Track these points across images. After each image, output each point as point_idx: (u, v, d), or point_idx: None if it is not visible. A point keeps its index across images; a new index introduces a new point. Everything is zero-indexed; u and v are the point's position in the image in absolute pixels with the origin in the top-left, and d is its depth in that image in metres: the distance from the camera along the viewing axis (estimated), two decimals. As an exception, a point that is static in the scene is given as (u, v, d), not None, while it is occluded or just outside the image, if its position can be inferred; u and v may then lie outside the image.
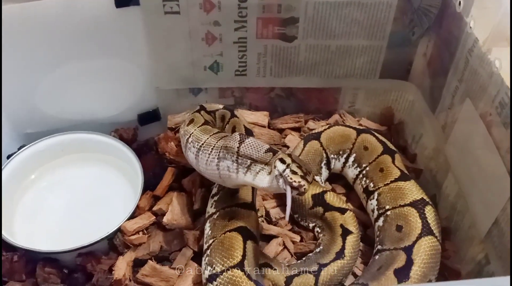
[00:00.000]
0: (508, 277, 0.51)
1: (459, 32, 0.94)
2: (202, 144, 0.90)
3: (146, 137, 1.18)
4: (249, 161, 0.82)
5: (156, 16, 1.04)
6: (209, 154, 0.87)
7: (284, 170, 0.77)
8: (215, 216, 0.93)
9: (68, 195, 1.09)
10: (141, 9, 1.02)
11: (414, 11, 1.08)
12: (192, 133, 0.94)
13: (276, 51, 1.13)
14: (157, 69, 1.13)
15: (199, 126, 0.96)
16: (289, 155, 0.80)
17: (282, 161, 0.78)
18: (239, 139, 0.84)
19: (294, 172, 0.76)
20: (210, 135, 0.91)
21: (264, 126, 1.21)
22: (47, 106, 1.12)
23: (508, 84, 0.79)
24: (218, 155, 0.86)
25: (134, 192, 1.05)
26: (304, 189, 0.76)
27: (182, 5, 1.03)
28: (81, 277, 0.95)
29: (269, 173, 0.80)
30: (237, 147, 0.82)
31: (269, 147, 0.83)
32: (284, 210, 1.05)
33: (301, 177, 0.76)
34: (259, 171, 0.81)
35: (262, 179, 0.81)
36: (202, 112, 1.04)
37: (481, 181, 0.89)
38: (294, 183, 0.75)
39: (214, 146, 0.88)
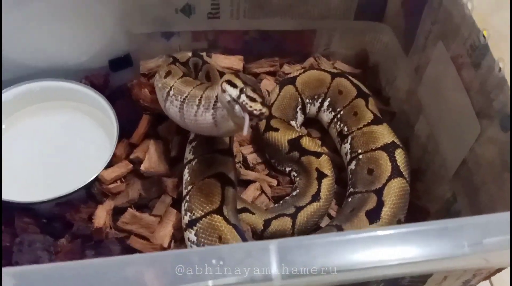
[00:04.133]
0: (508, 213, 0.55)
1: (433, -29, 0.93)
2: (186, 96, 0.86)
3: (118, 84, 1.15)
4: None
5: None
6: (197, 105, 0.82)
7: (238, 96, 0.69)
8: (193, 163, 0.93)
9: (41, 144, 1.06)
10: None
11: None
12: (173, 85, 0.91)
13: (249, -9, 1.09)
14: (127, 11, 1.08)
15: (179, 78, 0.93)
16: (237, 76, 0.72)
17: (232, 84, 0.70)
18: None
19: (252, 99, 0.68)
20: (194, 87, 0.87)
21: (239, 71, 1.19)
22: (9, 50, 1.05)
23: (479, 26, 0.80)
24: (212, 105, 0.80)
25: (110, 140, 1.04)
26: (265, 116, 0.69)
27: None
28: (60, 226, 0.96)
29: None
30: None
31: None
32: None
33: (261, 103, 0.68)
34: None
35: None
36: (177, 63, 1.01)
37: (450, 122, 0.92)
38: (255, 112, 0.67)
39: (201, 97, 0.83)
